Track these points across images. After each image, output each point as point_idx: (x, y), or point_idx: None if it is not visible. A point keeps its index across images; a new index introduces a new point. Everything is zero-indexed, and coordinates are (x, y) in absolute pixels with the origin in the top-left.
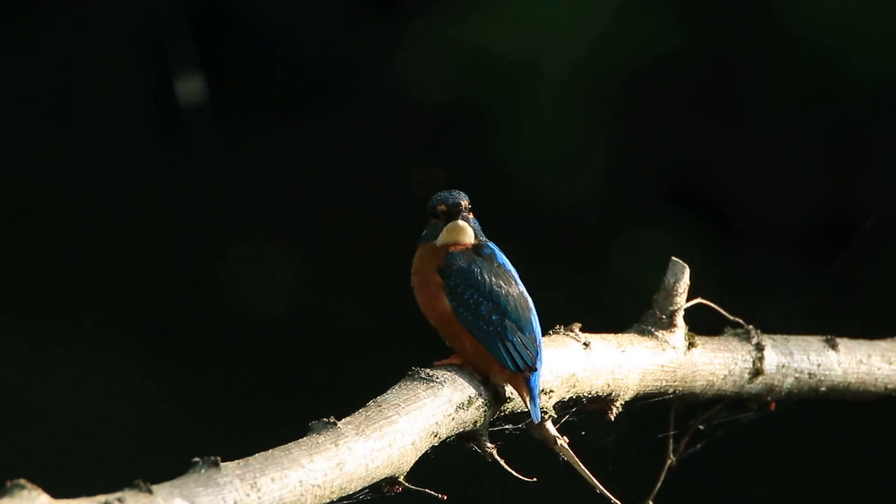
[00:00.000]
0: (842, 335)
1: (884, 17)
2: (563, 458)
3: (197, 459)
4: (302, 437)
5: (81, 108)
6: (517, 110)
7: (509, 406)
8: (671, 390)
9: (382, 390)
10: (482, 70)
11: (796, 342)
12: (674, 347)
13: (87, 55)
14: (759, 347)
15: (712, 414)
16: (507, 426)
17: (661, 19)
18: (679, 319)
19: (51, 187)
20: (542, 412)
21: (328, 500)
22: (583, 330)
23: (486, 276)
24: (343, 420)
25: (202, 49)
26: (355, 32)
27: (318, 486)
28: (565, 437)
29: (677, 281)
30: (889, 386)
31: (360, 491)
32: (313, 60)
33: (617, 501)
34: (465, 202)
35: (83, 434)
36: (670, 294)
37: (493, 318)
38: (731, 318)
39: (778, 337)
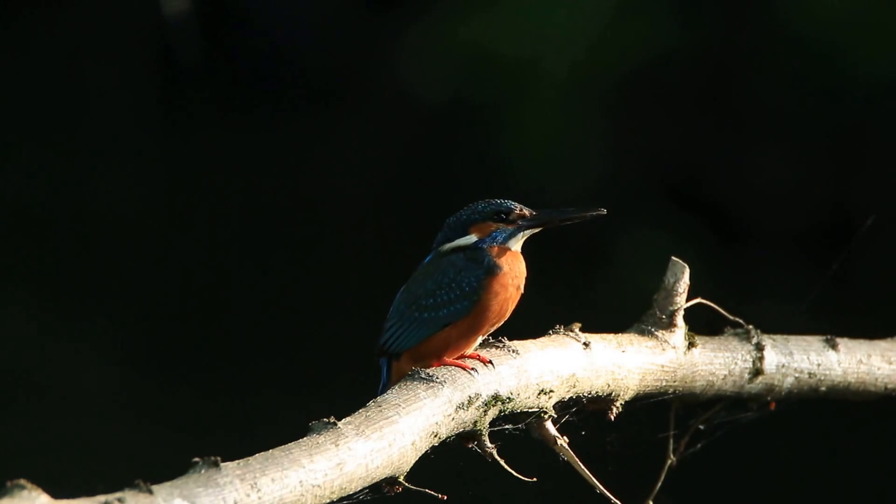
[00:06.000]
0: (842, 335)
1: (884, 17)
2: (563, 458)
3: (197, 459)
4: (302, 437)
5: (84, 109)
6: (517, 110)
7: (509, 406)
8: (671, 390)
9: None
10: (482, 70)
11: (796, 342)
12: (674, 347)
13: (88, 54)
14: (759, 347)
15: (712, 414)
16: (507, 426)
17: (660, 19)
18: (679, 319)
19: (50, 185)
20: (541, 412)
21: (328, 501)
22: (583, 330)
23: None
24: (343, 420)
25: (203, 48)
26: (355, 32)
27: (319, 486)
28: (565, 437)
29: (677, 281)
30: (889, 386)
31: (360, 491)
32: (314, 60)
33: (617, 501)
34: None
35: (83, 434)
36: (670, 294)
37: None
38: (731, 318)
39: (778, 337)
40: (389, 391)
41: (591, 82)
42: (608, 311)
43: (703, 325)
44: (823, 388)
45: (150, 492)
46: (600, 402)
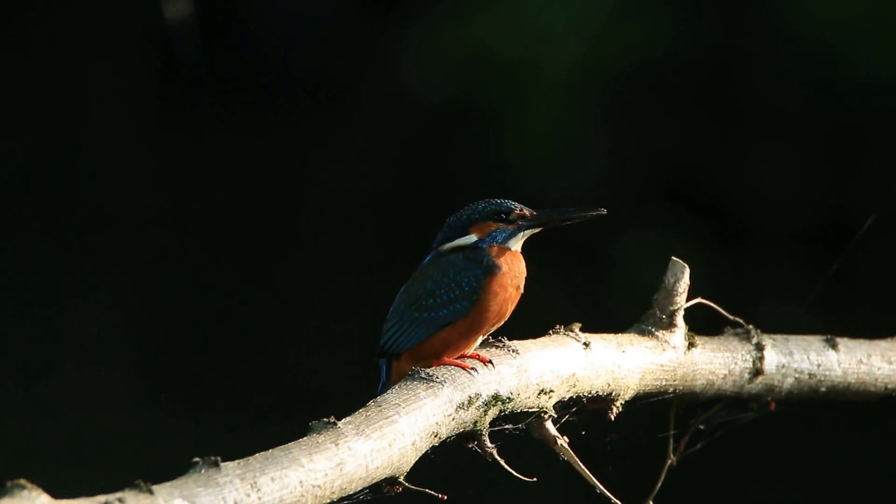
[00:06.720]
0: (842, 335)
1: (884, 17)
2: (563, 458)
3: (197, 459)
4: (302, 437)
5: (85, 109)
6: (517, 110)
7: (509, 406)
8: (671, 390)
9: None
10: (482, 70)
11: (796, 342)
12: (674, 347)
13: (89, 54)
14: (759, 347)
15: (712, 414)
16: (507, 426)
17: (660, 19)
18: (679, 319)
19: (50, 184)
20: (542, 412)
21: (328, 501)
22: (583, 330)
23: None
24: (343, 420)
25: (203, 48)
26: (355, 32)
27: (319, 486)
28: (565, 437)
29: (677, 281)
30: (889, 386)
31: (361, 491)
32: (314, 60)
33: (617, 501)
34: None
35: (83, 434)
36: (670, 294)
37: None
38: (731, 317)
39: (778, 337)
40: (389, 391)
41: (590, 82)
42: (608, 311)
43: (703, 325)
44: (823, 389)
45: (151, 492)
46: (600, 402)
